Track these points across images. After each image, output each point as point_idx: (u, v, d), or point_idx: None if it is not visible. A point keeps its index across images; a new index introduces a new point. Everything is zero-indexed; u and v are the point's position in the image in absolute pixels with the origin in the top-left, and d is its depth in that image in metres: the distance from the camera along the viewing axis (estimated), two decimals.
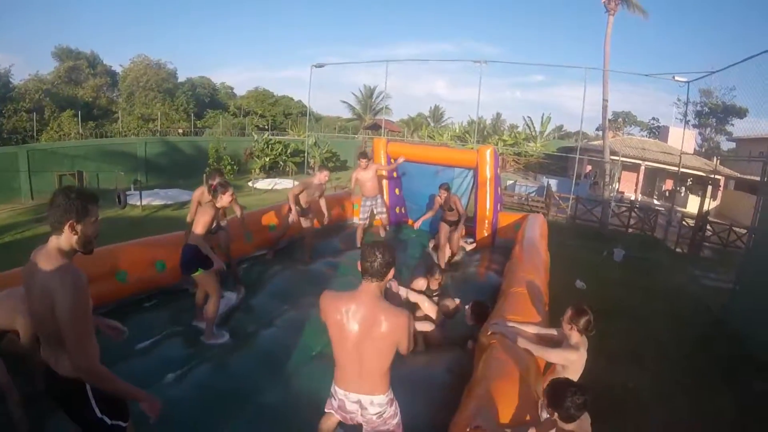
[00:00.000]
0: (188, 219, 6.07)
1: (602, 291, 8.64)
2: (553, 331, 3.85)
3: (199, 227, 4.81)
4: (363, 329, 2.60)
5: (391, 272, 2.70)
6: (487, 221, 8.93)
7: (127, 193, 13.96)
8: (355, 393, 2.76)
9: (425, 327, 4.85)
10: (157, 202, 13.97)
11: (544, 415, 2.80)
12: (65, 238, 2.28)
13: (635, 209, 16.36)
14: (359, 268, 2.67)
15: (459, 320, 5.10)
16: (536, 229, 7.60)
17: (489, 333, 3.88)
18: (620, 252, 11.39)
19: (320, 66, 20.05)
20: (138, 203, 13.18)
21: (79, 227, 2.28)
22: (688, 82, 15.16)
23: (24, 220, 11.42)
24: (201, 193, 6.19)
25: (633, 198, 23.62)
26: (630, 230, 15.43)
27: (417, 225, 8.67)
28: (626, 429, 4.61)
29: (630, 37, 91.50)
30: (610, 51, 16.64)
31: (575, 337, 3.41)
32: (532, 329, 3.94)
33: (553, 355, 3.44)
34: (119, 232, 6.47)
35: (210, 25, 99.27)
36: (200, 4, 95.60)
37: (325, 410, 2.99)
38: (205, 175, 8.58)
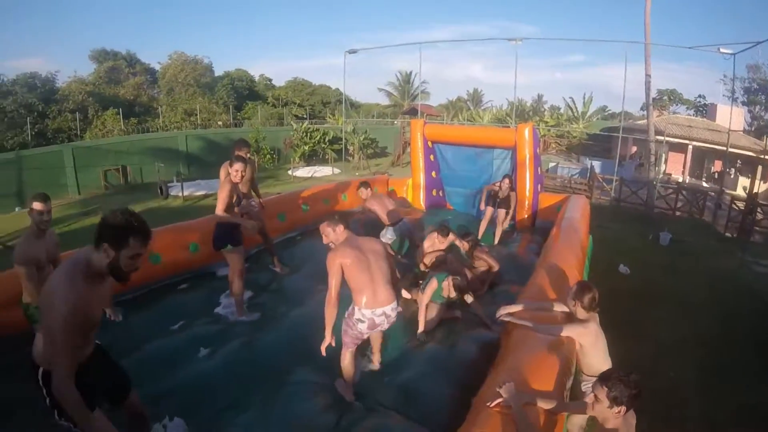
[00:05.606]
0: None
1: (647, 276, 8.39)
2: (564, 308, 3.72)
3: (220, 204, 4.98)
4: None
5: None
6: (527, 202, 8.78)
7: (169, 184, 14.48)
8: None
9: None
10: (198, 192, 14.40)
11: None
12: (97, 257, 2.20)
13: (682, 191, 15.73)
14: None
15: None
16: (577, 211, 7.39)
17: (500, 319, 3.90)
18: (666, 236, 11.01)
19: (353, 52, 20.15)
20: (180, 194, 13.55)
21: (112, 253, 2.17)
22: (734, 54, 14.47)
23: (72, 213, 12.01)
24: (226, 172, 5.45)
25: (680, 180, 22.73)
26: (677, 213, 14.88)
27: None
28: (667, 419, 4.45)
29: (672, 10, 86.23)
30: (650, 24, 16.08)
31: (581, 312, 3.39)
32: (542, 309, 3.86)
33: (562, 331, 3.37)
34: (161, 221, 6.76)
35: (246, 17, 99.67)
36: None
37: None
38: None
